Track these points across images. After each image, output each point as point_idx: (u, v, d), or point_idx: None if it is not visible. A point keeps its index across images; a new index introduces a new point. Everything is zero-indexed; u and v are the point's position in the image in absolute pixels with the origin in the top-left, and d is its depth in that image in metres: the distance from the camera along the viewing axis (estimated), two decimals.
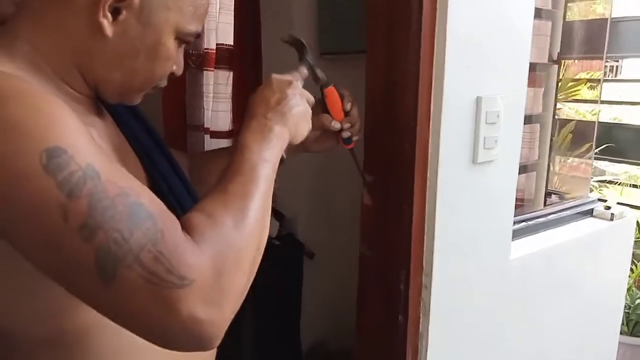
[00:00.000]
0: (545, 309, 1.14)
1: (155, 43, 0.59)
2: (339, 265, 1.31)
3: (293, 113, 0.69)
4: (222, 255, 0.50)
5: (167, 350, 0.53)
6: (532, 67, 1.28)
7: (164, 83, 0.65)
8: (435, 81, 0.82)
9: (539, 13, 1.19)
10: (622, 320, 1.59)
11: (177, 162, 0.78)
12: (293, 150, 0.76)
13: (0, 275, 0.52)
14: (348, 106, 0.84)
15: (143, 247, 0.44)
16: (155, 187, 0.71)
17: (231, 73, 2.27)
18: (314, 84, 0.84)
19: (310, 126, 0.75)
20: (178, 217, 0.52)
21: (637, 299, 2.67)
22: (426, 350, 0.91)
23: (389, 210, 0.90)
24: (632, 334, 2.61)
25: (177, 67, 0.66)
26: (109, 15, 0.55)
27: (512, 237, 1.09)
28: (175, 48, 0.62)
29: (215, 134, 2.38)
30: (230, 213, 0.53)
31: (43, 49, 0.56)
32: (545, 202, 1.32)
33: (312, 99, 0.76)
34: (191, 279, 0.46)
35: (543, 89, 1.28)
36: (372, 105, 0.90)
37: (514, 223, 1.10)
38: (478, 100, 0.86)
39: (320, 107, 0.84)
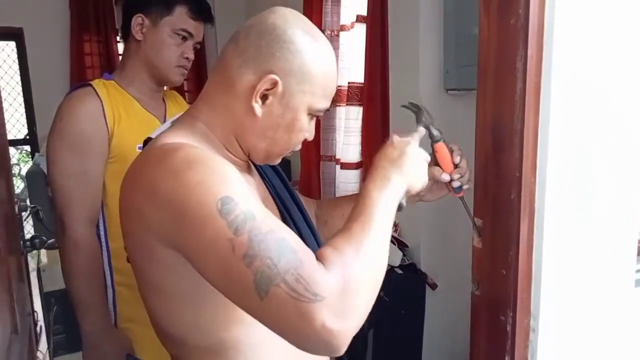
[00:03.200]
0: None
1: (292, 120, 0.76)
2: (460, 299, 1.35)
3: (411, 167, 0.80)
4: (347, 277, 0.62)
5: None
6: None
7: (299, 147, 0.82)
8: (540, 134, 0.86)
9: None
10: None
11: (306, 208, 0.94)
12: (409, 198, 0.87)
13: (175, 293, 0.72)
14: (457, 159, 0.92)
15: (287, 271, 0.58)
16: (286, 224, 0.88)
17: (361, 108, 2.44)
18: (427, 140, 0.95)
19: (427, 179, 0.85)
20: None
21: None
22: None
23: (497, 254, 0.94)
24: None
25: (310, 135, 0.83)
26: (259, 100, 0.74)
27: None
28: (307, 122, 0.79)
29: (346, 165, 2.57)
30: (352, 246, 0.65)
31: (214, 126, 0.77)
32: None
33: (428, 157, 0.87)
34: (323, 295, 0.58)
35: None
36: (482, 152, 0.97)
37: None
38: (586, 151, 0.87)
39: (432, 161, 0.93)
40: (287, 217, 0.88)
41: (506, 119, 0.89)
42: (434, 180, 0.94)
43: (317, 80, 0.75)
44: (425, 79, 2.00)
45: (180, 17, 1.23)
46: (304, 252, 0.62)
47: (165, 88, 1.39)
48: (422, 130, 0.91)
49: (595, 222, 0.92)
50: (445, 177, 0.92)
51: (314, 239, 0.90)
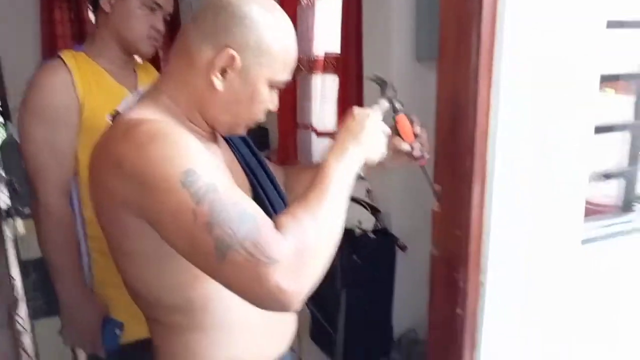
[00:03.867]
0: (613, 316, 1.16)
1: (252, 92, 0.79)
2: (428, 260, 1.44)
3: (369, 139, 0.84)
4: (301, 242, 0.67)
5: (262, 322, 0.73)
6: (621, 76, 1.27)
7: (263, 119, 0.86)
8: (492, 104, 0.92)
9: (622, 24, 1.19)
10: None
11: (275, 175, 0.98)
12: (372, 167, 0.93)
13: (143, 256, 0.77)
14: (417, 129, 0.97)
15: (246, 238, 0.63)
16: (257, 195, 0.93)
17: (337, 77, 2.47)
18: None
19: (384, 150, 0.89)
20: (272, 219, 0.72)
21: None
22: (483, 342, 1.01)
23: (452, 216, 1.01)
24: None
25: (272, 105, 0.85)
26: (219, 75, 0.77)
27: (586, 242, 1.13)
28: (268, 93, 0.81)
29: (322, 134, 2.62)
30: (308, 213, 0.70)
31: (178, 100, 0.80)
32: (632, 207, 1.31)
33: (387, 129, 0.90)
34: (277, 259, 0.63)
35: (635, 97, 1.26)
36: (441, 122, 1.02)
37: (591, 229, 1.14)
38: (535, 119, 0.94)
39: (394, 132, 0.98)
40: (255, 184, 0.93)
41: (462, 92, 0.94)
42: (395, 150, 0.99)
43: (275, 53, 0.77)
44: (397, 48, 2.03)
45: None
46: (263, 220, 0.67)
47: (140, 60, 1.39)
48: (384, 103, 0.95)
49: (543, 185, 0.99)
50: (406, 147, 0.96)
51: (282, 204, 0.95)
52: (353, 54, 2.26)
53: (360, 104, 2.35)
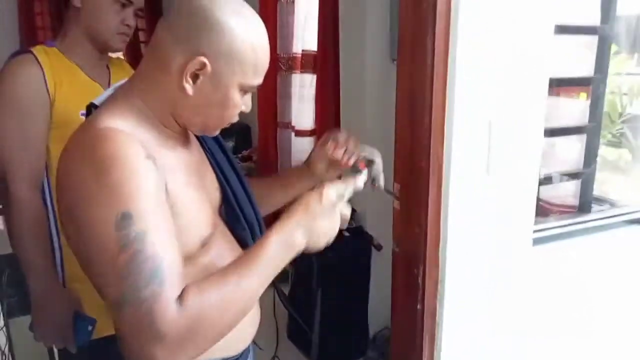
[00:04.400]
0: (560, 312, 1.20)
1: (224, 97, 0.79)
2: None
3: (320, 230, 0.81)
4: (195, 320, 0.69)
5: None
6: (577, 81, 1.32)
7: (235, 120, 0.86)
8: (448, 106, 0.95)
9: (579, 30, 1.23)
10: None
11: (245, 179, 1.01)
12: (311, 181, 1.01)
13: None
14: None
15: (146, 300, 0.66)
16: (225, 196, 0.95)
17: (315, 76, 2.49)
18: None
19: (330, 240, 0.86)
20: (239, 220, 0.79)
21: None
22: (442, 338, 1.05)
23: (411, 215, 1.05)
24: None
25: (245, 107, 0.85)
26: (189, 80, 0.77)
27: (542, 242, 1.18)
28: (240, 97, 0.82)
29: (300, 132, 2.64)
30: (219, 292, 0.72)
31: (149, 102, 0.81)
32: (590, 208, 1.35)
33: (347, 215, 0.88)
34: (164, 334, 0.67)
35: (589, 101, 1.31)
36: (400, 123, 1.06)
37: (544, 229, 1.18)
38: (489, 122, 0.97)
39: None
40: (224, 184, 0.94)
41: (418, 94, 0.97)
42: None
43: (246, 59, 0.77)
44: (372, 48, 2.06)
45: None
46: (170, 286, 0.68)
47: (116, 55, 1.39)
48: (360, 182, 0.92)
49: (496, 187, 1.03)
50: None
51: (250, 207, 0.97)
52: (330, 52, 2.28)
53: (337, 102, 2.38)
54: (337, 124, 2.37)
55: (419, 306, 1.06)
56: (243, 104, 0.83)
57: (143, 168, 0.72)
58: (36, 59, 1.20)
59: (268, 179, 1.17)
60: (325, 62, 2.33)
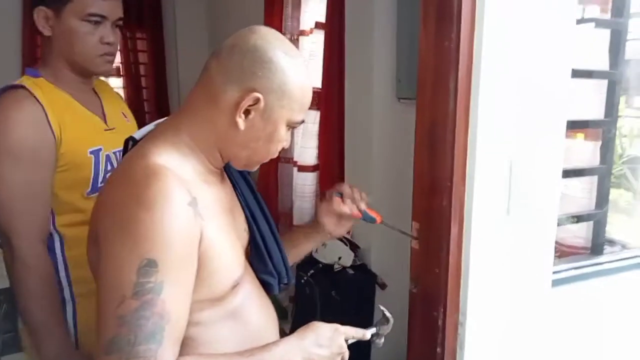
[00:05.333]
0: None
1: (272, 132, 0.83)
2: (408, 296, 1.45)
3: None
4: None
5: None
6: (587, 123, 1.34)
7: (276, 155, 0.89)
8: (469, 146, 0.95)
9: (590, 74, 1.26)
10: None
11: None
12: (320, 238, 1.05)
13: None
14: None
15: (138, 357, 0.66)
16: (252, 235, 0.95)
17: (318, 112, 2.51)
18: None
19: None
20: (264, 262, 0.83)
21: None
22: None
23: (431, 255, 1.03)
24: None
25: (286, 143, 0.88)
26: (242, 115, 0.80)
27: (558, 284, 1.16)
28: (285, 132, 0.85)
29: (303, 168, 2.64)
30: None
31: (197, 137, 0.82)
32: (603, 250, 1.35)
33: (346, 357, 0.91)
34: None
35: (600, 142, 1.33)
36: (419, 162, 1.06)
37: (561, 271, 1.17)
38: (510, 162, 0.98)
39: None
40: (254, 228, 0.95)
41: (439, 133, 0.98)
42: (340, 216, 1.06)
43: (294, 96, 0.81)
44: (378, 87, 2.09)
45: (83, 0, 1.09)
46: (166, 350, 0.68)
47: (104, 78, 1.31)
48: (368, 334, 0.97)
49: (517, 228, 1.03)
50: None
51: (276, 246, 0.98)
52: (335, 90, 2.31)
53: (341, 139, 2.39)
54: (340, 160, 2.38)
55: (438, 349, 1.03)
56: (286, 139, 0.87)
57: (183, 215, 0.72)
58: (32, 94, 1.07)
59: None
60: (329, 99, 2.36)
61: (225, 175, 0.94)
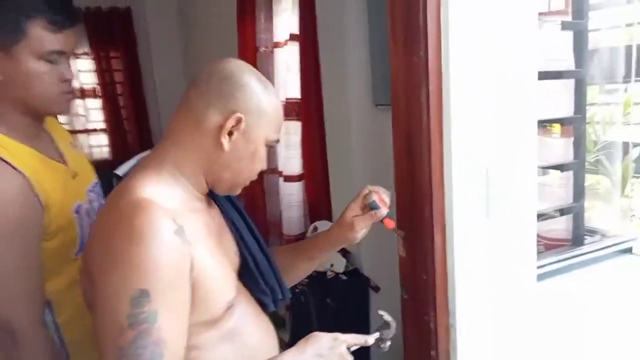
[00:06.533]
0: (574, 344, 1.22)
1: (254, 151, 0.88)
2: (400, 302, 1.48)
3: None
4: None
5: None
6: (559, 121, 1.39)
7: (255, 177, 0.93)
8: (445, 154, 0.99)
9: (558, 75, 1.31)
10: None
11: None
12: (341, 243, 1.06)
13: None
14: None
15: None
16: (243, 257, 0.98)
17: (299, 123, 2.54)
18: None
19: None
20: (258, 282, 0.85)
21: None
22: None
23: (417, 262, 1.07)
24: None
25: (264, 165, 0.93)
26: (226, 136, 0.84)
27: (544, 278, 1.21)
28: (264, 152, 0.91)
29: (288, 178, 2.67)
30: None
31: (182, 164, 0.86)
32: (583, 240, 1.40)
33: None
34: None
35: (572, 138, 1.38)
36: (399, 174, 1.09)
37: (544, 265, 1.21)
38: (486, 169, 1.01)
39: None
40: (244, 250, 0.98)
41: (416, 146, 1.01)
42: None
43: (270, 115, 0.88)
44: (354, 94, 2.12)
45: (39, 36, 0.95)
46: None
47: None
48: (371, 340, 0.98)
49: (497, 229, 1.06)
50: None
51: (267, 264, 1.01)
52: (314, 100, 2.34)
53: (323, 147, 2.42)
54: (324, 168, 2.41)
55: (432, 352, 1.07)
56: (265, 159, 0.93)
57: (171, 245, 0.75)
58: (4, 161, 0.93)
59: (291, 250, 1.19)
60: (308, 109, 2.39)
61: (212, 201, 0.97)
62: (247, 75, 0.87)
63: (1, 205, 0.91)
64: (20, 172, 0.95)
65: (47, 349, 1.00)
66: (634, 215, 2.29)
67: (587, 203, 1.52)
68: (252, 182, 2.90)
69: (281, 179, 2.72)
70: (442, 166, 0.99)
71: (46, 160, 1.05)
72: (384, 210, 1.02)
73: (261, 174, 2.87)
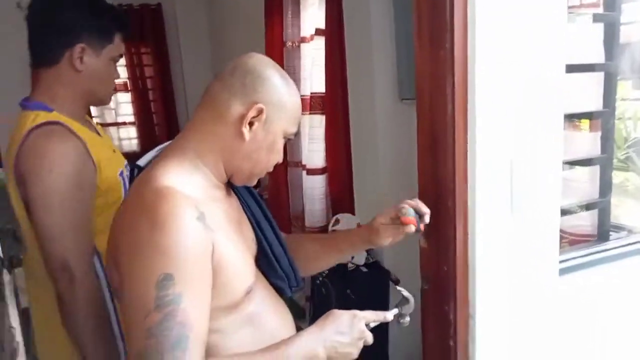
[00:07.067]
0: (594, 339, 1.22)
1: (272, 142, 0.91)
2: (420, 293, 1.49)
3: (343, 351, 0.88)
4: None
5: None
6: (588, 115, 1.37)
7: (271, 169, 0.96)
8: (469, 148, 1.00)
9: (587, 67, 1.30)
10: None
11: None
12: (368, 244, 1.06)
13: None
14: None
15: None
16: (260, 244, 1.01)
17: (324, 117, 2.56)
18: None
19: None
20: (275, 271, 0.89)
21: None
22: None
23: (439, 253, 1.08)
24: None
25: (280, 157, 0.96)
26: (247, 126, 0.87)
27: (567, 272, 1.20)
28: (282, 143, 0.93)
29: (311, 171, 2.70)
30: None
31: (203, 152, 0.89)
32: (609, 236, 1.39)
33: (369, 340, 0.93)
34: None
35: (600, 132, 1.36)
36: (423, 166, 1.10)
37: (567, 260, 1.21)
38: (510, 161, 1.02)
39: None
40: (261, 238, 1.01)
41: (440, 138, 1.03)
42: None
43: (290, 109, 0.91)
44: (380, 89, 2.13)
45: (119, 43, 1.24)
46: (192, 356, 0.73)
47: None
48: (390, 316, 0.99)
49: (520, 221, 1.07)
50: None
51: (285, 258, 1.04)
52: (339, 94, 2.36)
53: (347, 141, 2.44)
54: (348, 162, 2.43)
55: (451, 342, 1.08)
56: (281, 151, 0.95)
57: (193, 231, 0.78)
58: (69, 129, 1.14)
59: (321, 240, 1.23)
60: (333, 103, 2.41)
61: (231, 190, 1.00)
62: (269, 70, 0.90)
63: (64, 162, 1.10)
64: (80, 137, 1.14)
65: (95, 287, 1.16)
66: None
67: (616, 200, 1.50)
68: (276, 176, 2.94)
69: (304, 172, 2.75)
70: (465, 159, 1.00)
71: (95, 136, 1.27)
72: (411, 227, 0.99)
73: (285, 167, 2.91)
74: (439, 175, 1.04)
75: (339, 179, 2.52)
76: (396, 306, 1.02)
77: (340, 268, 2.18)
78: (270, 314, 0.96)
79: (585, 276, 1.24)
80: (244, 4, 3.43)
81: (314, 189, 2.68)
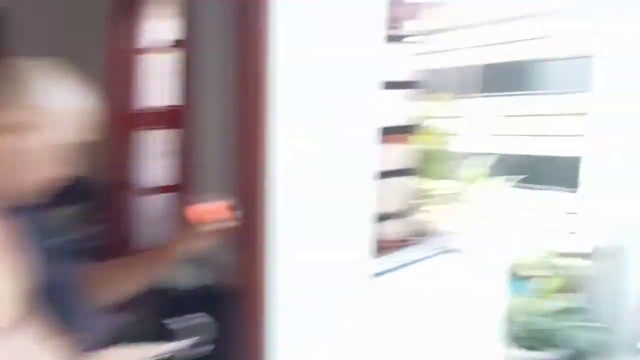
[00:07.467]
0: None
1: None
2: None
3: None
4: None
5: None
6: (397, 129, 1.51)
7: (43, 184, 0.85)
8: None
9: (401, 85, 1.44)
10: None
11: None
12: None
13: None
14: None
15: None
16: (37, 277, 0.86)
17: (167, 131, 2.45)
18: None
19: None
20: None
21: None
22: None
23: (245, 263, 1.09)
24: None
25: (51, 169, 0.84)
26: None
27: (381, 274, 1.29)
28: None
29: (151, 191, 2.54)
30: None
31: None
32: (418, 241, 1.53)
33: None
34: None
35: (411, 145, 1.50)
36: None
37: (382, 264, 1.31)
38: (318, 170, 1.07)
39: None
40: (36, 269, 0.87)
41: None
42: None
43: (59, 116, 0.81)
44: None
45: None
46: None
47: None
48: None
49: (332, 228, 1.11)
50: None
51: (64, 293, 0.91)
52: (184, 107, 2.27)
53: (192, 156, 2.35)
54: (192, 179, 2.34)
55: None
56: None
57: None
58: None
59: (122, 264, 1.12)
60: (175, 118, 2.32)
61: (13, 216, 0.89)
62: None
63: None
64: None
65: None
66: (474, 218, 2.57)
67: (428, 207, 1.67)
68: (117, 197, 2.66)
69: (143, 192, 2.60)
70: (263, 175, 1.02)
71: None
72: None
73: (125, 185, 2.65)
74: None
75: (183, 197, 2.42)
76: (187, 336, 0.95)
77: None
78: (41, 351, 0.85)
79: (396, 277, 1.34)
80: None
81: (157, 208, 2.54)
